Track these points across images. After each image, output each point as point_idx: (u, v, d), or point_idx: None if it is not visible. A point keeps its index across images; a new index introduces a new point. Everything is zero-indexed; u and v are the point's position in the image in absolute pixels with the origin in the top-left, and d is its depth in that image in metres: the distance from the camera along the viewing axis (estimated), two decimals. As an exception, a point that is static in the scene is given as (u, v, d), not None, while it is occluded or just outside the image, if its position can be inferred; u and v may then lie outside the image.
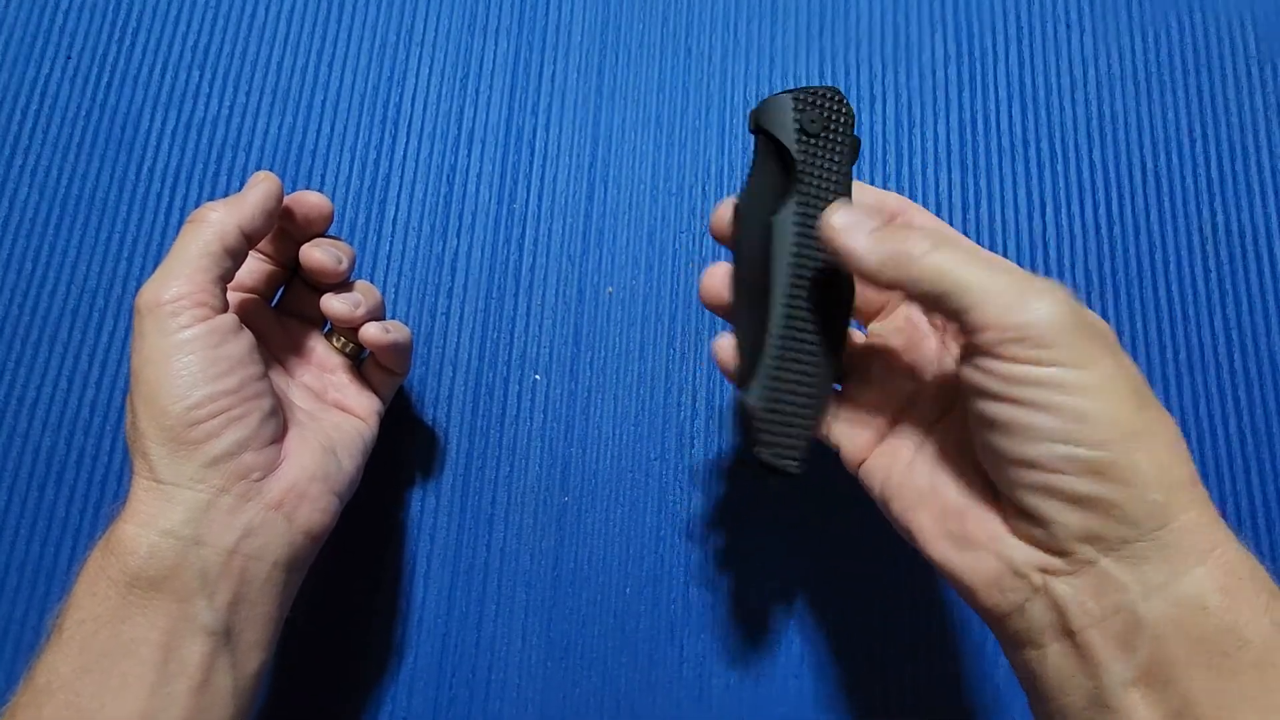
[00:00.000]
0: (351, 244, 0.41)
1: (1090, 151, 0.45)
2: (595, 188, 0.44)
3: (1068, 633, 0.24)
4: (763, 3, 0.47)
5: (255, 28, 0.46)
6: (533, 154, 0.44)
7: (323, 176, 0.44)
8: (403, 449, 0.40)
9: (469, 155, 0.44)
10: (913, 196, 0.44)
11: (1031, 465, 0.23)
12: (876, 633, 0.38)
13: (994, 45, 0.47)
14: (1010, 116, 0.45)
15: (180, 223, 0.42)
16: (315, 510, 0.30)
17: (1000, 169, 0.44)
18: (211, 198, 0.43)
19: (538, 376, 0.41)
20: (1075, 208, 0.44)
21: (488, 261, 0.42)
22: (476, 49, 0.46)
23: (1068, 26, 0.47)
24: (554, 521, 0.39)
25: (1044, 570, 0.24)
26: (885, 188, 0.44)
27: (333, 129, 0.44)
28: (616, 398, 0.41)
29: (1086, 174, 0.44)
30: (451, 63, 0.46)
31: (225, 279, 0.30)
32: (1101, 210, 0.44)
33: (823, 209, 0.28)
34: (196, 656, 0.26)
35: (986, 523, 0.26)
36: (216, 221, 0.29)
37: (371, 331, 0.33)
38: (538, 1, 0.47)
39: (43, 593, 0.38)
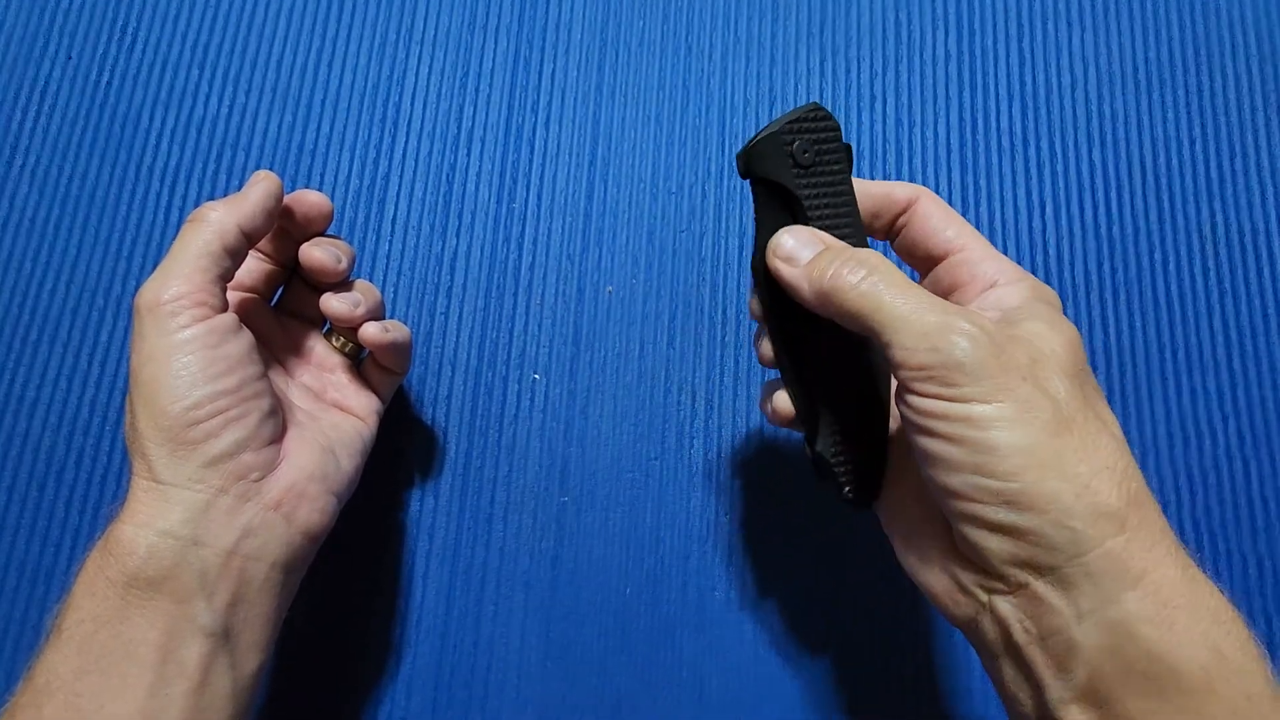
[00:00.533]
0: (351, 243, 0.41)
1: (1090, 151, 0.45)
2: (595, 186, 0.44)
3: (1012, 648, 0.24)
4: (763, 1, 0.47)
5: (255, 27, 0.46)
6: (532, 152, 0.44)
7: (322, 175, 0.44)
8: (402, 449, 0.40)
9: (468, 154, 0.44)
10: (912, 196, 0.44)
11: (953, 494, 0.24)
12: (876, 633, 0.38)
13: (994, 45, 0.47)
14: (1010, 116, 0.45)
15: (180, 222, 0.42)
16: (314, 510, 0.30)
17: (1000, 169, 0.44)
18: (211, 197, 0.43)
19: (537, 376, 0.41)
20: (1075, 207, 0.44)
21: (487, 261, 0.42)
22: (476, 48, 0.46)
23: (1068, 25, 0.47)
24: (553, 521, 0.39)
25: (986, 589, 0.25)
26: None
27: (332, 128, 0.44)
28: (616, 397, 0.41)
29: (1086, 173, 0.44)
30: (451, 61, 0.46)
31: (225, 278, 0.30)
32: (1101, 210, 0.44)
33: (839, 236, 0.28)
34: (195, 657, 0.26)
35: (937, 541, 0.26)
36: (216, 221, 0.29)
37: (371, 331, 0.33)
38: (538, 0, 0.47)
39: (42, 592, 0.38)
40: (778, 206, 0.29)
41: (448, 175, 0.44)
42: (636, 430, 0.40)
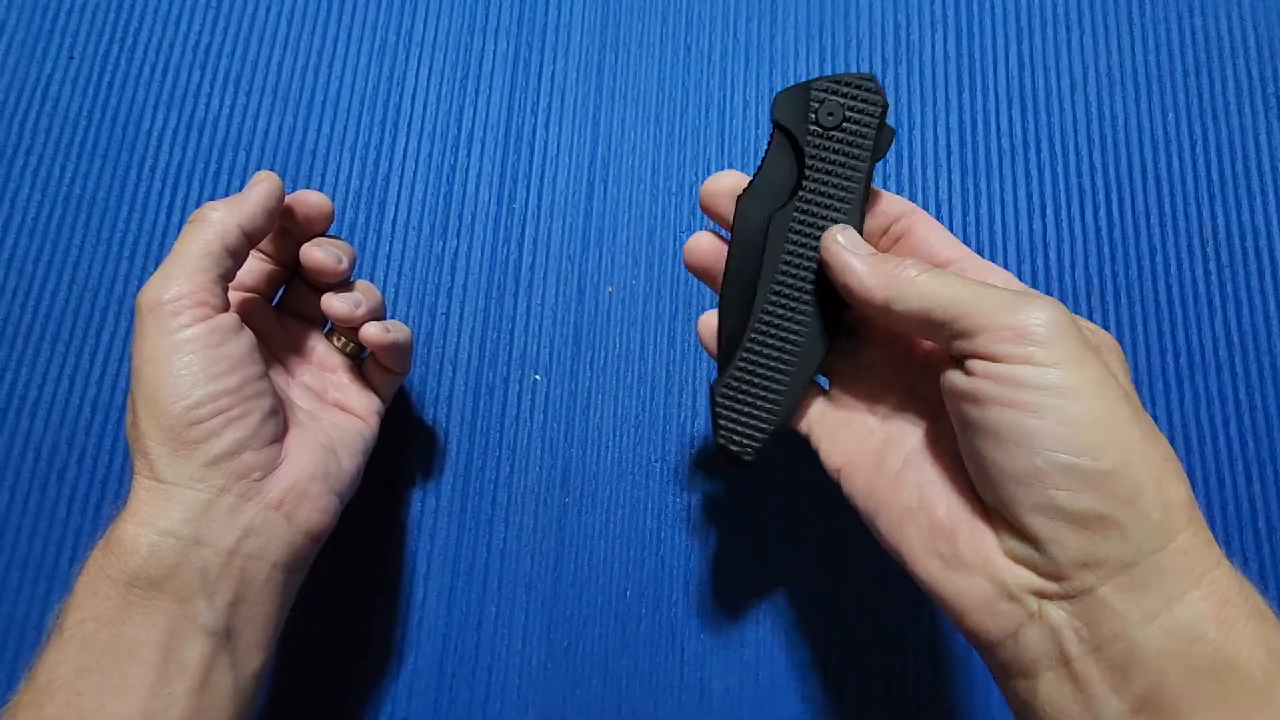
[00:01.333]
0: (351, 244, 0.41)
1: (1090, 152, 0.45)
2: (595, 187, 0.44)
3: (1063, 661, 0.22)
4: (763, 2, 0.47)
5: (255, 28, 0.46)
6: (532, 153, 0.44)
7: (323, 176, 0.44)
8: (403, 449, 0.40)
9: (469, 155, 0.44)
10: (912, 197, 0.44)
11: (1028, 479, 0.22)
12: (879, 633, 0.38)
13: (994, 45, 0.47)
14: (1010, 117, 0.45)
15: (181, 222, 0.43)
16: (315, 510, 0.30)
17: (1000, 170, 0.44)
18: (212, 198, 0.43)
19: (538, 376, 0.41)
20: (1075, 209, 0.44)
21: (487, 261, 0.43)
22: (476, 49, 0.46)
23: (1068, 27, 0.47)
24: (555, 522, 0.39)
25: (1039, 594, 0.23)
26: (885, 188, 0.44)
27: (333, 129, 0.44)
28: (617, 398, 0.41)
29: (1087, 175, 0.44)
30: (451, 63, 0.46)
31: (226, 278, 0.30)
32: (1102, 211, 0.44)
33: (831, 209, 0.28)
34: (196, 656, 0.27)
35: (978, 542, 0.24)
36: (218, 221, 0.29)
37: (372, 331, 0.33)
38: (537, 1, 0.47)
39: (43, 592, 0.38)
40: (787, 158, 0.28)
41: (448, 176, 0.44)
42: (638, 431, 0.40)
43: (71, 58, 0.45)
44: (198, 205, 0.43)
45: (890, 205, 0.30)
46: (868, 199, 0.29)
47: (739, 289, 0.29)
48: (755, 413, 0.29)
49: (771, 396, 0.29)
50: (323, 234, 0.34)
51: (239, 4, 0.46)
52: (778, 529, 0.39)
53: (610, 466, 0.40)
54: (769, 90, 0.45)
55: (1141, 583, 0.22)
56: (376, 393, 0.36)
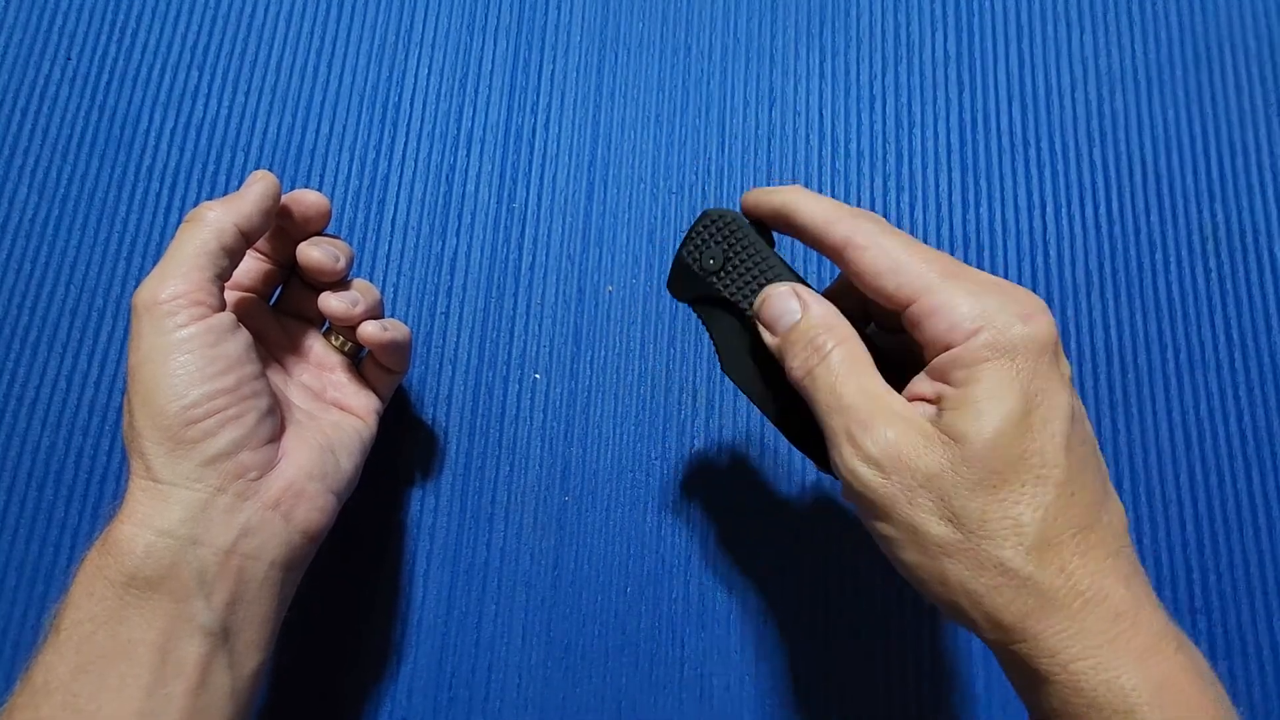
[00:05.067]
0: (351, 243, 0.41)
1: (1090, 151, 0.45)
2: (595, 187, 0.44)
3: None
4: (763, 2, 0.47)
5: (255, 28, 0.46)
6: (532, 153, 0.44)
7: (322, 176, 0.44)
8: (403, 448, 0.40)
9: (468, 155, 0.44)
10: (912, 197, 0.44)
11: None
12: (879, 632, 0.38)
13: (994, 46, 0.47)
14: (1010, 116, 0.45)
15: (179, 222, 0.42)
16: (313, 509, 0.30)
17: (1000, 169, 0.44)
18: (211, 198, 0.43)
19: (538, 376, 0.41)
20: (1075, 207, 0.44)
21: (487, 261, 0.42)
22: (476, 49, 0.46)
23: (1068, 26, 0.47)
24: (554, 521, 0.39)
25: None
26: (885, 188, 0.44)
27: (332, 129, 0.44)
28: (617, 397, 0.41)
29: (1086, 174, 0.44)
30: (451, 62, 0.46)
31: (223, 278, 0.29)
32: (1101, 210, 0.44)
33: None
34: (194, 657, 0.26)
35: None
36: (214, 220, 0.29)
37: (369, 330, 0.33)
38: (537, 1, 0.47)
39: (42, 592, 0.38)
40: (721, 312, 0.30)
41: (448, 176, 0.44)
42: (638, 430, 0.40)
43: (70, 58, 0.45)
44: (196, 205, 0.43)
45: (773, 199, 0.29)
46: (783, 261, 0.29)
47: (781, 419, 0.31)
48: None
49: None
50: (320, 233, 0.34)
51: (238, 4, 0.46)
52: (779, 528, 0.39)
53: (610, 465, 0.40)
54: (769, 90, 0.46)
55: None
56: (375, 392, 0.36)
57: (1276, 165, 0.45)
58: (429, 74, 0.45)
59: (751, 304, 0.29)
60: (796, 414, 0.29)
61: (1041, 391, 0.23)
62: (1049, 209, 0.44)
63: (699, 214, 0.30)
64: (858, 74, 0.46)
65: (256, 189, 0.31)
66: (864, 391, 0.25)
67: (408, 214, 0.43)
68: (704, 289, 0.30)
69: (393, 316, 0.41)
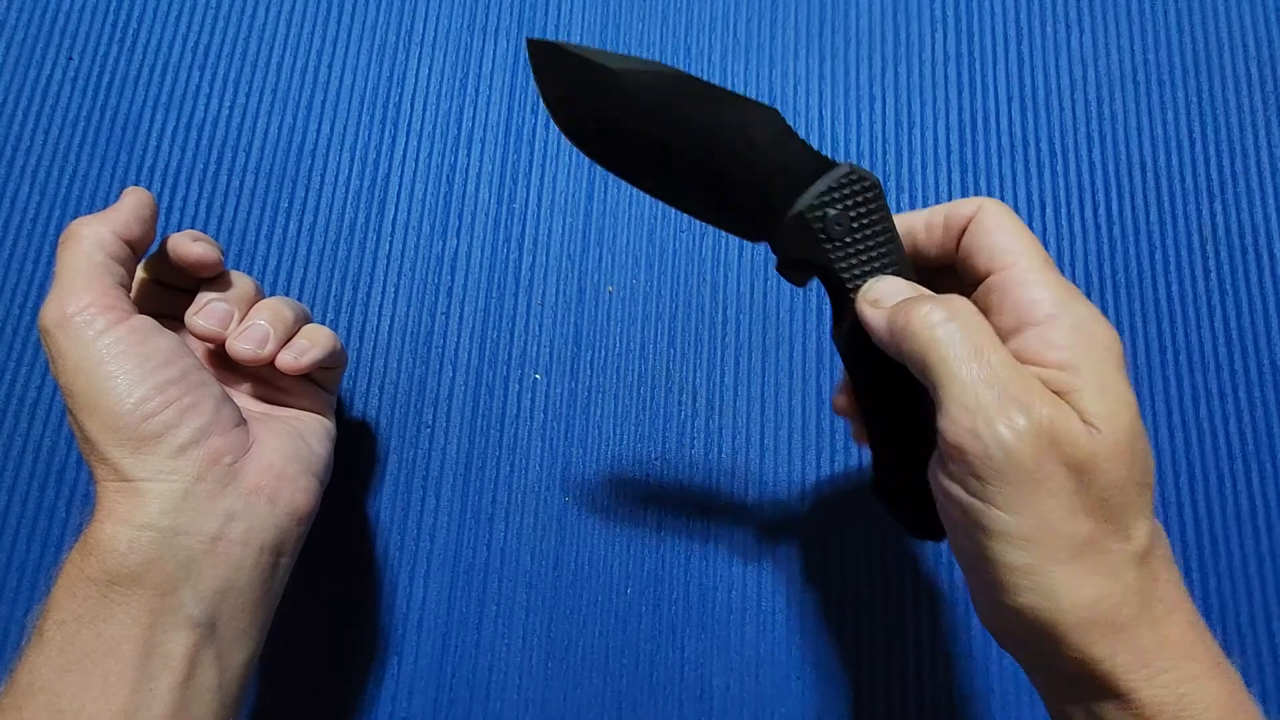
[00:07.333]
0: (351, 243, 0.41)
1: (1090, 151, 0.45)
2: (595, 186, 0.44)
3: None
4: (763, 2, 0.47)
5: (255, 28, 0.46)
6: (532, 153, 0.44)
7: (322, 176, 0.44)
8: (403, 448, 0.40)
9: (469, 155, 0.44)
10: (912, 197, 0.44)
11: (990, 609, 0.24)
12: (879, 632, 0.38)
13: (994, 45, 0.47)
14: (1010, 117, 0.45)
15: (180, 223, 0.43)
16: (297, 491, 0.30)
17: (1000, 169, 0.44)
18: (211, 198, 0.43)
19: (538, 376, 0.41)
20: (1075, 208, 0.44)
21: (488, 261, 0.42)
22: (476, 49, 0.46)
23: (1067, 26, 0.47)
24: (555, 521, 0.39)
25: None
26: (885, 189, 0.44)
27: (332, 129, 0.44)
28: (617, 397, 0.41)
29: (1086, 174, 0.44)
30: (451, 63, 0.46)
31: (123, 285, 0.29)
32: (1101, 210, 0.44)
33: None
34: (180, 650, 0.26)
35: None
36: (90, 234, 0.29)
37: (286, 361, 0.32)
38: (537, 1, 0.47)
39: (42, 593, 0.38)
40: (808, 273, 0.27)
41: (448, 176, 0.44)
42: (638, 430, 0.40)
43: (71, 58, 0.45)
44: (196, 206, 0.43)
45: (962, 210, 0.27)
46: (900, 246, 0.27)
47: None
48: (913, 502, 0.30)
49: (914, 482, 0.28)
50: (211, 280, 0.33)
51: (238, 4, 0.46)
52: (779, 527, 0.39)
53: (610, 466, 0.40)
54: (769, 90, 0.46)
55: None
56: (323, 387, 0.36)
57: (1276, 165, 0.45)
58: (429, 74, 0.45)
59: (859, 285, 0.26)
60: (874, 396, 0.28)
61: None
62: (1049, 209, 0.44)
63: (844, 163, 0.25)
64: (858, 74, 0.46)
65: (130, 200, 0.30)
66: (1012, 364, 0.23)
67: (408, 214, 0.43)
68: (815, 255, 0.26)
69: (393, 317, 0.41)
